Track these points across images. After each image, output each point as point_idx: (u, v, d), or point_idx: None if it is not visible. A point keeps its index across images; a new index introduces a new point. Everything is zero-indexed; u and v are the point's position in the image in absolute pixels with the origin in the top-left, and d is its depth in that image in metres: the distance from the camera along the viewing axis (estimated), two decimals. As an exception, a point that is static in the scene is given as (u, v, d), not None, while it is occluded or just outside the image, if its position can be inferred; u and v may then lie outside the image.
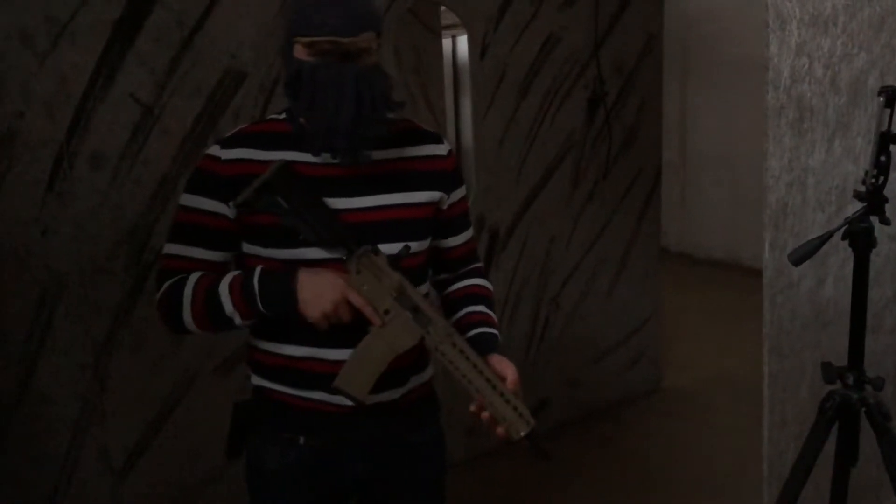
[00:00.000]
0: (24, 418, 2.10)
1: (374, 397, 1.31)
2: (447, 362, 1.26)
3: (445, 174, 1.40)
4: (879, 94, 1.56)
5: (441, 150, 1.41)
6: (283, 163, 1.24)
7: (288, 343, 1.33)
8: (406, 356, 1.30)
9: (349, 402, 1.28)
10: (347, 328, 1.26)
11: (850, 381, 1.71)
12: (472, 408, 1.28)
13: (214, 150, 1.32)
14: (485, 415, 1.26)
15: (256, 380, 1.40)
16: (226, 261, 1.35)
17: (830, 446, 1.75)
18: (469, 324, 1.40)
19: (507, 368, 1.30)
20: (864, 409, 1.70)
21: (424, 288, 1.42)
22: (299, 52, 1.25)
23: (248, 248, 1.33)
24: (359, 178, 1.31)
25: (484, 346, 1.33)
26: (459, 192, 1.44)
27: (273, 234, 1.28)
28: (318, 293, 1.22)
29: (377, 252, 1.26)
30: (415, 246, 1.34)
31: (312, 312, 1.22)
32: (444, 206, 1.41)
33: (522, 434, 1.26)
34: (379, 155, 1.32)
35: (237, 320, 1.28)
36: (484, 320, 1.40)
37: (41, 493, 2.14)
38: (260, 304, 1.25)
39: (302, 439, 1.37)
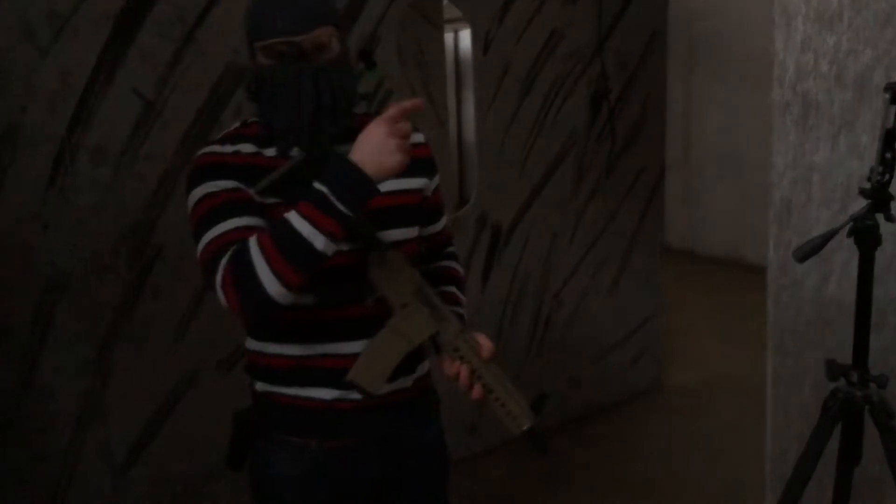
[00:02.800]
0: (26, 414, 2.10)
1: (386, 387, 1.31)
2: (459, 357, 1.28)
3: (427, 161, 1.42)
4: (885, 90, 1.55)
5: (420, 137, 1.42)
6: (308, 155, 1.24)
7: (298, 343, 1.32)
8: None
9: (359, 396, 1.28)
10: (361, 321, 1.27)
11: (854, 378, 1.70)
12: (474, 395, 1.28)
13: (212, 148, 1.31)
14: (477, 389, 1.27)
15: (263, 386, 1.37)
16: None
17: (834, 444, 1.75)
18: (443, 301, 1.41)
19: (481, 337, 1.31)
20: (867, 407, 1.69)
21: None
22: (260, 56, 1.26)
23: None
24: None
25: None
26: (437, 179, 1.47)
27: None
28: (377, 149, 1.16)
29: (398, 248, 1.27)
30: (408, 232, 1.36)
31: (390, 163, 1.16)
32: (429, 193, 1.43)
33: (525, 428, 1.28)
34: None
35: (318, 244, 1.14)
36: (455, 300, 1.43)
37: (43, 489, 2.15)
38: (337, 203, 1.14)
39: (314, 443, 1.35)
